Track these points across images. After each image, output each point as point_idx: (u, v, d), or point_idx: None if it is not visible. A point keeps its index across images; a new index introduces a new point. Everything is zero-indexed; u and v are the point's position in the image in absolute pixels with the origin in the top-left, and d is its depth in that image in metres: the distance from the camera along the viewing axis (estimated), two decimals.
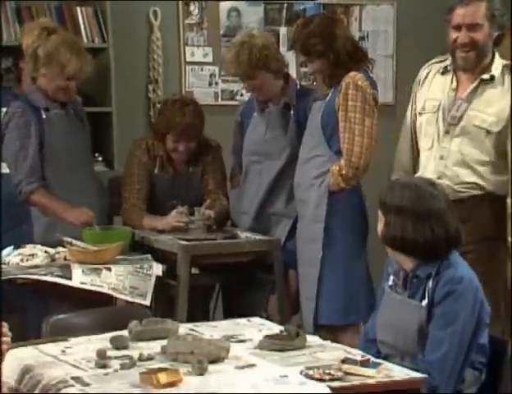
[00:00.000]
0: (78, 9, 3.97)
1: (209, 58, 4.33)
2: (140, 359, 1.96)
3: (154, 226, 3.26)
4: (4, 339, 1.85)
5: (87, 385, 1.81)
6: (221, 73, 4.34)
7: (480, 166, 2.68)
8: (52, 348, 2.08)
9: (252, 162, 3.30)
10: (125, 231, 3.18)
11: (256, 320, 2.36)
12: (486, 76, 2.68)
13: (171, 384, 1.78)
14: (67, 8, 3.96)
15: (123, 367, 1.91)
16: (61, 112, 3.15)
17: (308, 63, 3.07)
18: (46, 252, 3.01)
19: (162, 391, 1.75)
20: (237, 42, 3.24)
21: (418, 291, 2.14)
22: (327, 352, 2.04)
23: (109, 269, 2.90)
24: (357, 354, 1.96)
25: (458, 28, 2.68)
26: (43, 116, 3.09)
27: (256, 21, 4.20)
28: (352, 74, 2.94)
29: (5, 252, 3.01)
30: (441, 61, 2.81)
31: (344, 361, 1.90)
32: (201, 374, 1.85)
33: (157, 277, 2.97)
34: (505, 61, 2.76)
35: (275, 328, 2.23)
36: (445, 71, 2.76)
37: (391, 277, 2.23)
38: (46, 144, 3.10)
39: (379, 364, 1.91)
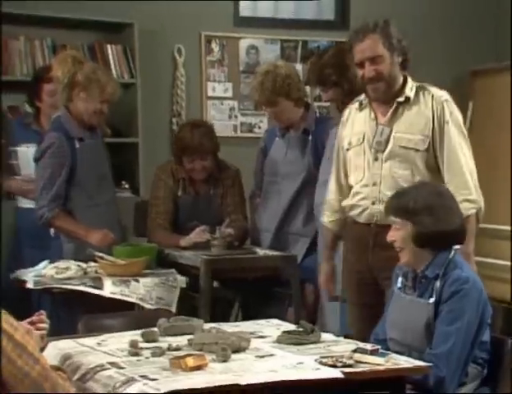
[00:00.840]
0: (108, 47, 4.21)
1: (229, 93, 4.53)
2: (169, 349, 2.10)
3: (178, 244, 3.42)
4: (43, 325, 2.00)
5: (122, 368, 1.94)
6: (240, 107, 4.54)
7: None
8: (89, 340, 2.22)
9: (272, 183, 3.48)
10: (151, 248, 3.34)
11: (274, 321, 2.49)
12: (401, 99, 2.68)
13: (198, 368, 1.91)
14: (99, 46, 4.20)
15: (154, 354, 2.05)
16: (93, 141, 3.33)
17: (323, 92, 3.24)
18: (79, 266, 3.17)
19: (189, 374, 1.88)
20: (262, 71, 3.44)
21: (426, 291, 2.27)
22: (340, 345, 2.17)
23: (137, 281, 3.05)
24: (367, 345, 2.08)
25: (361, 64, 2.68)
26: (77, 146, 3.26)
27: (273, 58, 4.37)
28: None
29: (41, 265, 3.17)
30: (357, 101, 2.80)
31: (355, 351, 2.02)
32: (224, 361, 1.98)
33: (181, 290, 3.12)
34: (417, 83, 2.74)
35: (291, 327, 2.36)
36: (361, 107, 2.76)
37: (400, 280, 2.36)
38: (77, 171, 3.26)
39: (387, 354, 2.04)
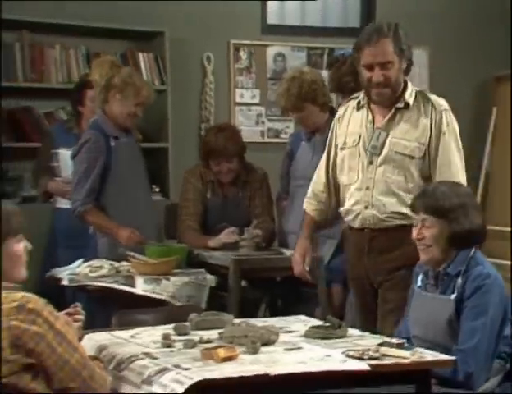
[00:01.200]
0: (140, 55, 4.30)
1: (256, 99, 4.60)
2: (200, 341, 2.15)
3: (207, 244, 3.48)
4: (79, 317, 2.07)
5: (155, 358, 1.99)
6: (267, 113, 4.60)
7: (406, 192, 2.61)
8: (123, 333, 2.28)
9: (298, 186, 3.51)
10: (181, 248, 3.40)
11: (301, 317, 2.53)
12: (400, 105, 2.64)
13: (229, 358, 1.96)
14: (131, 54, 4.29)
15: (186, 346, 2.10)
16: (127, 140, 3.41)
17: (342, 100, 3.25)
18: (111, 264, 3.24)
19: (220, 364, 1.93)
20: (288, 77, 3.48)
21: (448, 288, 2.30)
22: (366, 340, 2.20)
23: (168, 279, 3.11)
24: (393, 339, 2.11)
25: (370, 67, 2.61)
26: (112, 144, 3.35)
27: (300, 65, 4.40)
28: None
29: (76, 264, 3.25)
30: (355, 98, 2.76)
31: (381, 344, 2.05)
32: (254, 353, 2.02)
33: (210, 289, 3.17)
34: (416, 89, 2.71)
35: (319, 323, 2.39)
36: (359, 107, 2.72)
37: (420, 278, 2.39)
38: (112, 168, 3.34)
39: (413, 347, 2.06)
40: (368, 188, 2.65)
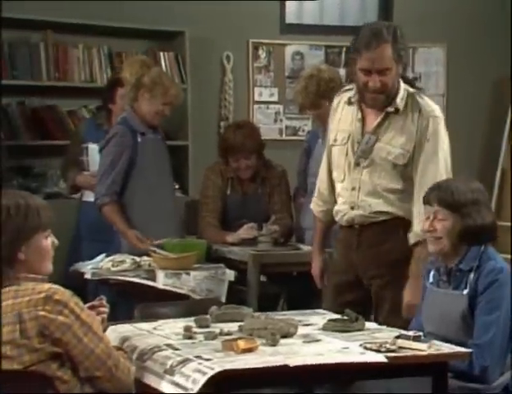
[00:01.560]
0: (161, 54, 4.34)
1: (275, 98, 4.62)
2: (221, 333, 2.18)
3: (227, 240, 3.51)
4: (103, 309, 2.11)
5: (177, 349, 2.03)
6: (285, 111, 4.62)
7: (391, 194, 2.63)
8: (145, 325, 2.31)
9: (315, 183, 3.52)
10: (200, 243, 3.44)
11: (319, 311, 2.55)
12: (391, 109, 2.61)
13: (249, 350, 1.98)
14: (152, 53, 4.33)
15: (207, 338, 2.13)
16: (154, 137, 3.45)
17: None
18: (133, 259, 3.28)
19: (241, 355, 1.96)
20: (306, 75, 3.50)
21: (461, 283, 2.30)
22: (383, 333, 2.22)
23: (188, 274, 3.15)
24: (410, 332, 2.12)
25: (368, 72, 2.55)
26: (139, 140, 3.39)
27: (317, 64, 4.45)
28: None
29: (98, 258, 3.29)
30: (349, 90, 2.71)
31: (398, 337, 2.07)
32: (273, 345, 2.05)
33: (229, 283, 3.20)
34: (411, 90, 2.64)
35: (337, 316, 2.41)
36: (350, 102, 2.68)
37: (432, 274, 2.39)
38: (137, 164, 3.37)
39: (429, 340, 2.08)
40: (354, 188, 2.66)
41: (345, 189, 2.68)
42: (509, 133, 4.72)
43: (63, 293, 1.90)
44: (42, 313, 1.85)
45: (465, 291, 2.27)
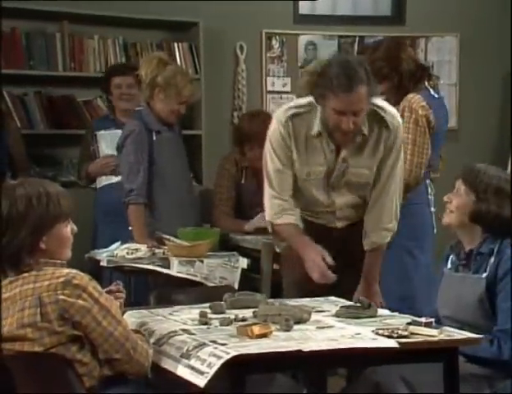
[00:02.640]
0: (175, 44, 4.36)
1: (288, 88, 4.63)
2: (236, 319, 2.21)
3: (241, 229, 3.54)
4: (120, 294, 2.15)
5: (193, 334, 2.06)
6: None
7: (364, 204, 2.72)
8: (161, 311, 2.35)
9: None
10: (214, 231, 3.47)
11: (332, 298, 2.57)
12: (359, 139, 2.62)
13: (263, 335, 2.01)
14: (166, 44, 4.35)
15: (222, 323, 2.16)
16: (170, 135, 3.45)
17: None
18: (147, 247, 3.32)
19: (255, 340, 1.99)
20: (310, 70, 3.49)
21: (480, 268, 2.31)
22: (395, 319, 2.24)
23: (201, 261, 3.18)
24: (422, 318, 2.15)
25: (341, 112, 2.50)
26: (154, 138, 3.39)
27: (331, 54, 4.45)
28: (410, 96, 3.10)
29: (114, 246, 3.33)
30: (301, 112, 2.61)
31: (409, 323, 2.09)
32: (287, 331, 2.08)
33: (243, 271, 3.23)
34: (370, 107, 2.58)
35: (349, 304, 2.44)
36: (319, 135, 2.62)
37: (450, 259, 2.41)
38: (156, 162, 3.38)
39: (441, 326, 2.10)
40: (329, 205, 2.72)
41: (322, 206, 2.73)
42: None
43: (82, 277, 1.94)
44: (61, 297, 1.89)
45: (484, 275, 2.27)
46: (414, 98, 3.10)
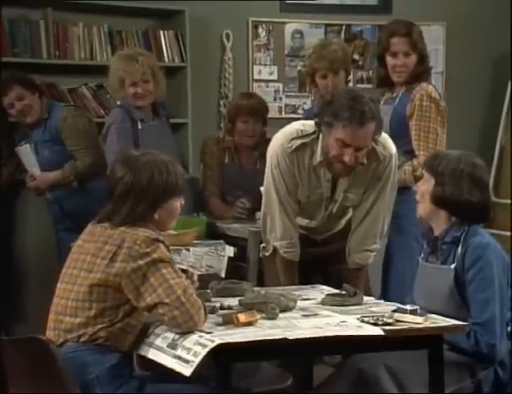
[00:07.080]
0: (161, 32, 4.32)
1: (274, 76, 4.61)
2: (222, 307, 2.21)
3: (231, 214, 3.57)
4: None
5: None
6: (284, 89, 4.61)
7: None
8: None
9: None
10: (200, 220, 3.46)
11: (318, 286, 2.58)
12: (359, 168, 2.62)
13: (249, 323, 2.02)
14: (152, 32, 4.31)
15: (208, 312, 2.15)
16: (155, 123, 3.46)
17: (394, 58, 3.09)
18: None
19: (241, 328, 1.99)
20: (319, 43, 3.49)
21: (448, 257, 2.30)
22: (381, 307, 2.25)
23: (188, 250, 3.18)
24: (407, 305, 2.15)
25: (344, 145, 2.50)
26: (139, 127, 3.40)
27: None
28: (424, 86, 3.08)
29: None
30: (305, 144, 2.64)
31: (395, 311, 2.10)
32: (273, 319, 2.08)
33: (229, 260, 3.23)
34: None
35: (335, 291, 2.44)
36: (317, 167, 2.65)
37: (423, 249, 2.40)
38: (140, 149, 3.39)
39: (426, 313, 2.10)
40: (324, 225, 2.82)
41: (315, 225, 2.84)
42: (507, 110, 4.72)
43: (164, 242, 2.04)
44: (136, 247, 1.98)
45: (453, 265, 2.27)
46: (430, 88, 3.10)
